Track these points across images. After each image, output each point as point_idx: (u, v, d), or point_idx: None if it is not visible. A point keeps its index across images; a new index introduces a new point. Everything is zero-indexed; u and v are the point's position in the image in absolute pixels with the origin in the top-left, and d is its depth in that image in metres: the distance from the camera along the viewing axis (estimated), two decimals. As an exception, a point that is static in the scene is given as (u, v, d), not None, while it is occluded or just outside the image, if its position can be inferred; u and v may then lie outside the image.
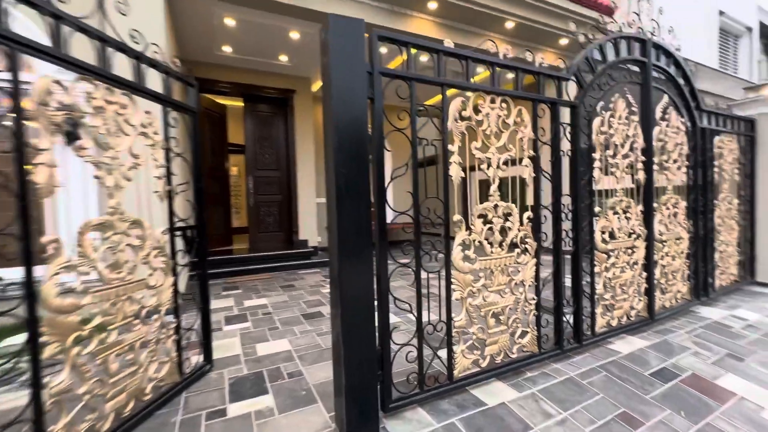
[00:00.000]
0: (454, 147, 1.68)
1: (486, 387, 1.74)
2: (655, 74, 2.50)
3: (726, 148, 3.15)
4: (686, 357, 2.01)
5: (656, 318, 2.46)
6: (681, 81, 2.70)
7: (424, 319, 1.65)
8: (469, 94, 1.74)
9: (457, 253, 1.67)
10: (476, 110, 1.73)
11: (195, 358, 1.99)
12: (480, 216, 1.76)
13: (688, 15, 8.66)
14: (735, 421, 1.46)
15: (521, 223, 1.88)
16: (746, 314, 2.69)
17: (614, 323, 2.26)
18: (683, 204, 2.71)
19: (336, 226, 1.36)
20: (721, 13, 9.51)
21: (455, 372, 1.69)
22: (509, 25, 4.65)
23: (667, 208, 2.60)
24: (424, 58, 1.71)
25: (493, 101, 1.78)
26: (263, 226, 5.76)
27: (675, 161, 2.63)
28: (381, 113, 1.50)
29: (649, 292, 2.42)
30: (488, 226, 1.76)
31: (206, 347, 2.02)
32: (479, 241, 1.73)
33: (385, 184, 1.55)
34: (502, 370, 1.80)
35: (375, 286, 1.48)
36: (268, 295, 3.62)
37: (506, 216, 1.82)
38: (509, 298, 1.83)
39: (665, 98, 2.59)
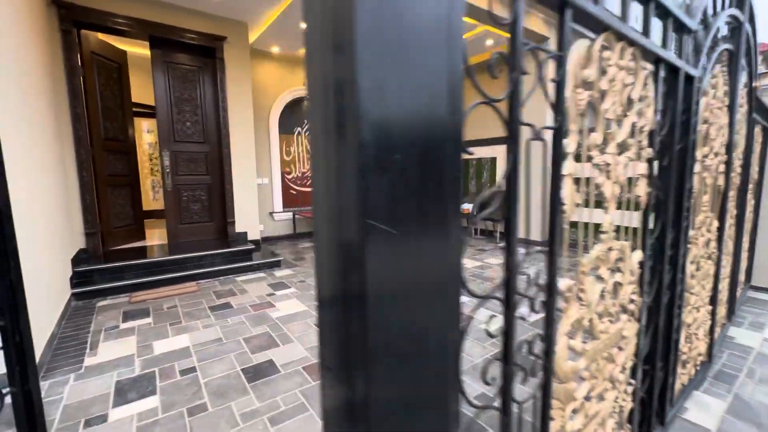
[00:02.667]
0: (571, 138, 0.84)
1: None
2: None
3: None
4: (783, 428, 1.52)
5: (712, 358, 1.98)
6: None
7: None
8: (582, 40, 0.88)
9: (562, 347, 0.87)
10: (602, 71, 0.89)
11: None
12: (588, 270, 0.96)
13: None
14: None
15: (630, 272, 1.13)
16: (776, 336, 2.36)
17: (685, 380, 1.70)
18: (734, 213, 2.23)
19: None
20: (673, -2, 9.60)
21: None
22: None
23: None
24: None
25: (622, 53, 0.94)
26: (186, 215, 4.48)
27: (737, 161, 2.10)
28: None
29: (713, 329, 1.90)
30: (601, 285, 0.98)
31: None
32: (590, 319, 0.95)
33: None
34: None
35: None
36: (191, 328, 2.57)
37: (617, 262, 1.06)
38: (609, 396, 1.11)
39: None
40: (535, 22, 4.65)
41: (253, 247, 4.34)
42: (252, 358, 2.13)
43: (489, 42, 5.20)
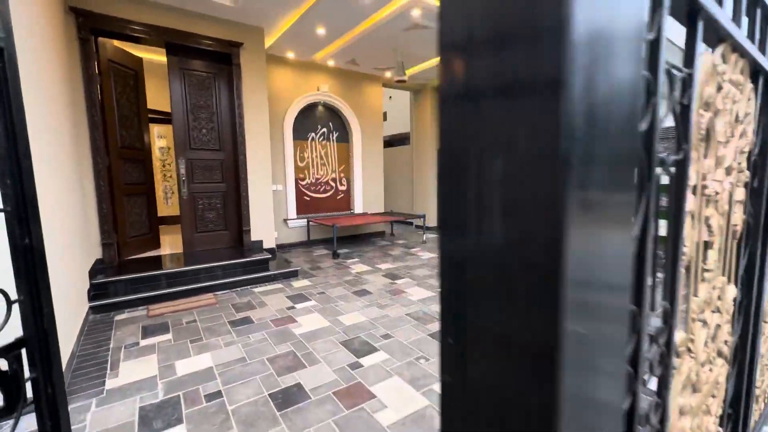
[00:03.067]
0: (692, 168, 0.71)
1: None
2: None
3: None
4: None
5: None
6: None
7: None
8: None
9: (675, 409, 0.74)
10: (719, 87, 0.77)
11: None
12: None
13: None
14: None
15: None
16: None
17: (757, 416, 1.56)
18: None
19: None
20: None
21: None
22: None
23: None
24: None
25: (735, 66, 0.82)
26: (202, 224, 4.42)
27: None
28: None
29: (778, 358, 1.76)
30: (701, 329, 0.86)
31: None
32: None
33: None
34: None
35: None
36: (212, 345, 2.48)
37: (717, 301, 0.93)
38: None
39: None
40: (558, 25, 4.52)
41: (270, 256, 4.26)
42: (279, 381, 2.02)
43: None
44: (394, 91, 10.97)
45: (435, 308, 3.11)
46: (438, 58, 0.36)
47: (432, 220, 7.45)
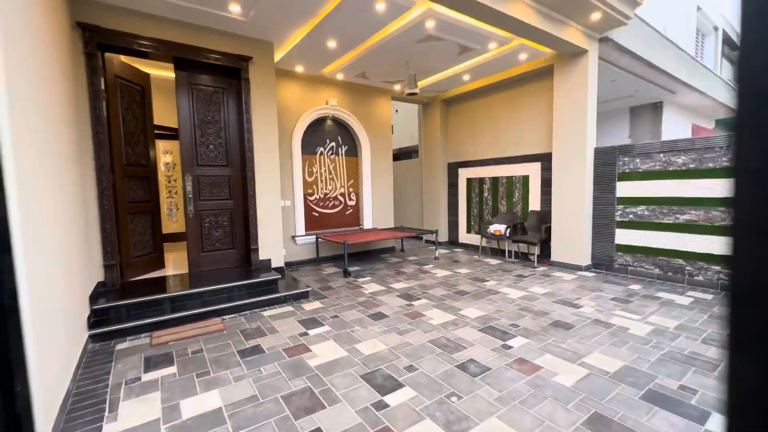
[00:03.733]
0: None
1: None
2: None
3: None
4: None
5: None
6: None
7: None
8: None
9: None
10: None
11: None
12: None
13: (672, 9, 8.32)
14: None
15: None
16: None
17: None
18: None
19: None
20: (699, 8, 9.38)
21: None
22: (546, -15, 3.57)
23: None
24: None
25: None
26: (209, 242, 4.25)
27: None
28: None
29: None
30: None
31: None
32: None
33: None
34: None
35: None
36: (221, 380, 2.26)
37: None
38: None
39: None
40: (575, 34, 4.40)
41: (279, 276, 4.06)
42: (297, 426, 1.80)
43: (523, 56, 4.96)
44: (399, 104, 10.92)
45: (459, 334, 2.89)
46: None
47: (442, 236, 7.24)
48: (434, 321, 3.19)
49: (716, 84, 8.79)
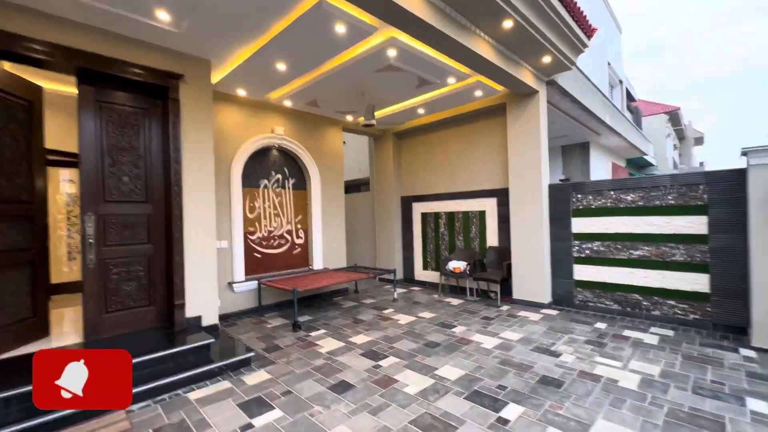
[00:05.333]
0: None
1: None
2: None
3: None
4: None
5: None
6: None
7: None
8: None
9: None
10: None
11: None
12: None
13: (591, 62, 9.37)
14: None
15: None
16: None
17: None
18: None
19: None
20: (609, 63, 10.77)
21: None
22: (507, 24, 3.55)
23: None
24: None
25: None
26: (116, 299, 3.31)
27: None
28: None
29: None
30: None
31: None
32: None
33: None
34: None
35: None
36: None
37: None
38: None
39: None
40: (528, 75, 4.51)
41: (211, 339, 3.24)
42: None
43: (478, 93, 4.97)
44: (347, 135, 10.67)
45: (443, 406, 2.41)
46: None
47: (397, 274, 6.83)
48: (410, 389, 2.68)
49: (629, 128, 9.98)
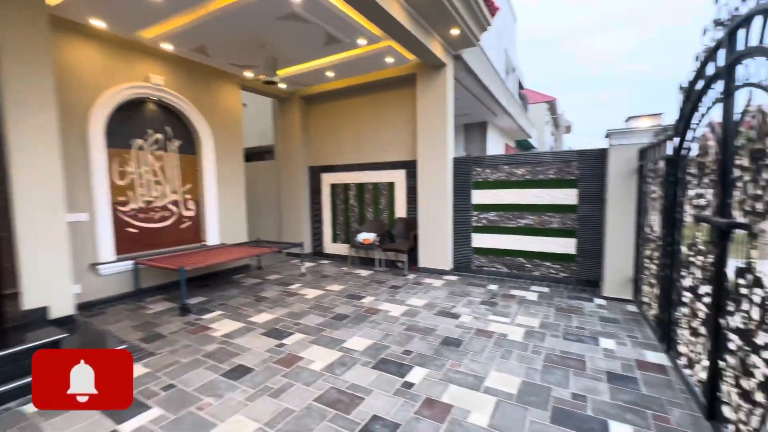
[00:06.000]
0: None
1: None
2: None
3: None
4: None
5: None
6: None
7: None
8: None
9: None
10: None
11: None
12: None
13: (491, 46, 10.02)
14: None
15: None
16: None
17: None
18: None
19: None
20: (506, 51, 11.69)
21: None
22: (419, -14, 3.41)
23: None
24: None
25: None
26: None
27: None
28: None
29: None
30: None
31: None
32: None
33: None
34: None
35: None
36: None
37: None
38: None
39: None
40: (437, 47, 4.51)
41: (63, 335, 2.58)
42: None
43: (389, 60, 4.82)
44: (249, 97, 9.62)
45: (351, 378, 2.34)
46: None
47: (305, 248, 6.55)
48: (316, 365, 2.54)
49: (520, 113, 11.11)
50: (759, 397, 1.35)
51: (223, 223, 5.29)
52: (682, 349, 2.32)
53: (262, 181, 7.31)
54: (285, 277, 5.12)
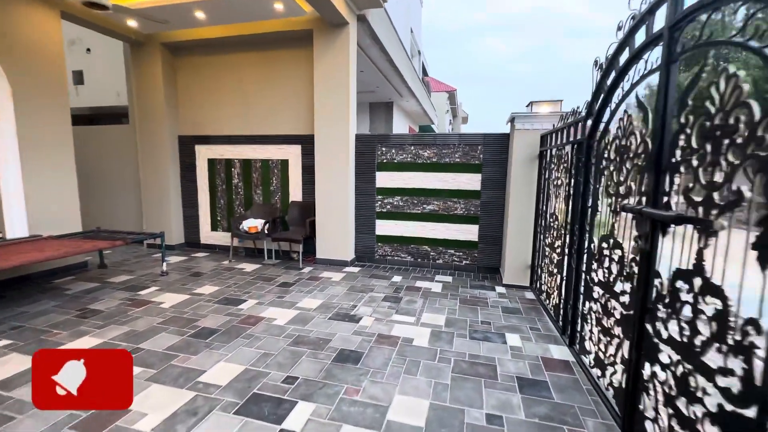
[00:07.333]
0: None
1: None
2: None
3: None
4: None
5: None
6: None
7: None
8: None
9: None
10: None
11: None
12: None
13: (397, 22, 9.61)
14: None
15: None
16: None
17: None
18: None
19: None
20: (411, 30, 11.44)
21: None
22: None
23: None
24: None
25: None
26: None
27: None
28: None
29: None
30: None
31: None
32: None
33: None
34: None
35: None
36: None
37: None
38: None
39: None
40: (340, 3, 3.77)
41: None
42: None
43: (278, 6, 3.89)
44: (95, 41, 7.40)
45: (198, 440, 1.59)
46: None
47: (174, 238, 5.27)
48: (147, 421, 1.71)
49: (425, 96, 11.07)
50: (700, 421, 1.10)
51: (36, 206, 3.75)
52: (588, 345, 2.19)
53: (115, 151, 5.63)
54: (137, 279, 3.91)
